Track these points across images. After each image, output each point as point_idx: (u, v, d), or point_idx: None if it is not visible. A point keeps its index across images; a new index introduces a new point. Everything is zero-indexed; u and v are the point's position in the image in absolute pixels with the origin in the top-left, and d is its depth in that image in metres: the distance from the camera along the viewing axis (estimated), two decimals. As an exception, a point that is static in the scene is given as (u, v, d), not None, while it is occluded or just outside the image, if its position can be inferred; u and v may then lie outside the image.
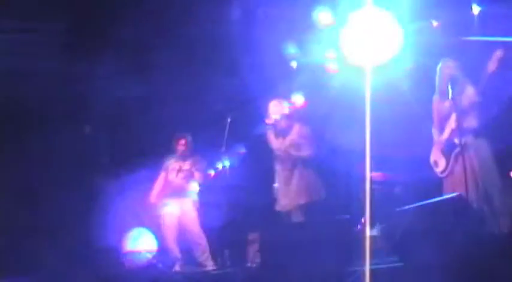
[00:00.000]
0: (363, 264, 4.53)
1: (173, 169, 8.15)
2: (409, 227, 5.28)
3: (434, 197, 5.75)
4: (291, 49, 8.02)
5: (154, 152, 8.44)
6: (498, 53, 5.92)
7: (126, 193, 8.39)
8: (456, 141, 6.15)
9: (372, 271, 4.51)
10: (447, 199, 5.63)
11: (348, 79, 6.38)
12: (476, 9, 6.80)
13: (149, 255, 7.98)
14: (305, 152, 7.14)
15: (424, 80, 6.71)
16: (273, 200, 7.35)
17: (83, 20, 8.36)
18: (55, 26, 8.37)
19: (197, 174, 8.06)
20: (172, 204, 8.09)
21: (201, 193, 8.14)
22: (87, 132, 9.20)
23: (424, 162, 6.52)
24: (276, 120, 7.20)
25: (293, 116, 7.25)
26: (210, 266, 7.89)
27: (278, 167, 7.30)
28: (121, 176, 8.58)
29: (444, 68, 6.29)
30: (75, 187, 8.56)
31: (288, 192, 7.16)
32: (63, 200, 8.36)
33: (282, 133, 7.25)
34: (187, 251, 8.05)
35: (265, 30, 7.78)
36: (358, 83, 5.08)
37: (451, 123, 6.22)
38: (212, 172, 8.02)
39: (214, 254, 8.05)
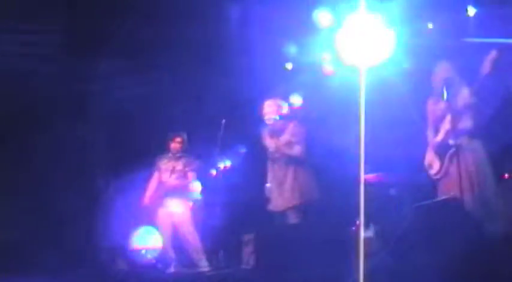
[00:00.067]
0: (358, 266, 4.53)
1: (166, 169, 8.14)
2: (404, 228, 5.29)
3: (430, 199, 5.75)
4: (287, 50, 8.03)
5: (153, 152, 8.43)
6: (492, 55, 5.94)
7: (126, 193, 8.38)
8: (451, 142, 6.16)
9: (366, 272, 4.51)
10: (442, 201, 5.64)
11: (343, 80, 6.38)
12: (471, 11, 6.82)
13: (149, 256, 7.98)
14: (296, 150, 7.12)
15: (419, 81, 6.72)
16: (267, 201, 7.35)
17: (82, 20, 8.35)
18: (55, 26, 8.36)
19: (190, 175, 8.05)
20: (166, 205, 8.08)
21: (196, 194, 8.14)
22: (87, 133, 9.19)
23: (420, 164, 6.53)
24: (271, 120, 7.21)
25: (288, 116, 7.26)
26: (204, 266, 7.89)
27: (272, 167, 7.30)
28: (121, 176, 8.58)
29: (440, 70, 6.30)
30: (75, 187, 8.56)
31: (282, 192, 7.14)
32: (63, 200, 8.36)
33: (277, 133, 7.24)
34: (182, 252, 8.05)
35: (261, 31, 7.79)
36: (353, 84, 5.08)
37: (446, 125, 6.23)
38: (214, 172, 8.03)
39: (209, 255, 8.05)
